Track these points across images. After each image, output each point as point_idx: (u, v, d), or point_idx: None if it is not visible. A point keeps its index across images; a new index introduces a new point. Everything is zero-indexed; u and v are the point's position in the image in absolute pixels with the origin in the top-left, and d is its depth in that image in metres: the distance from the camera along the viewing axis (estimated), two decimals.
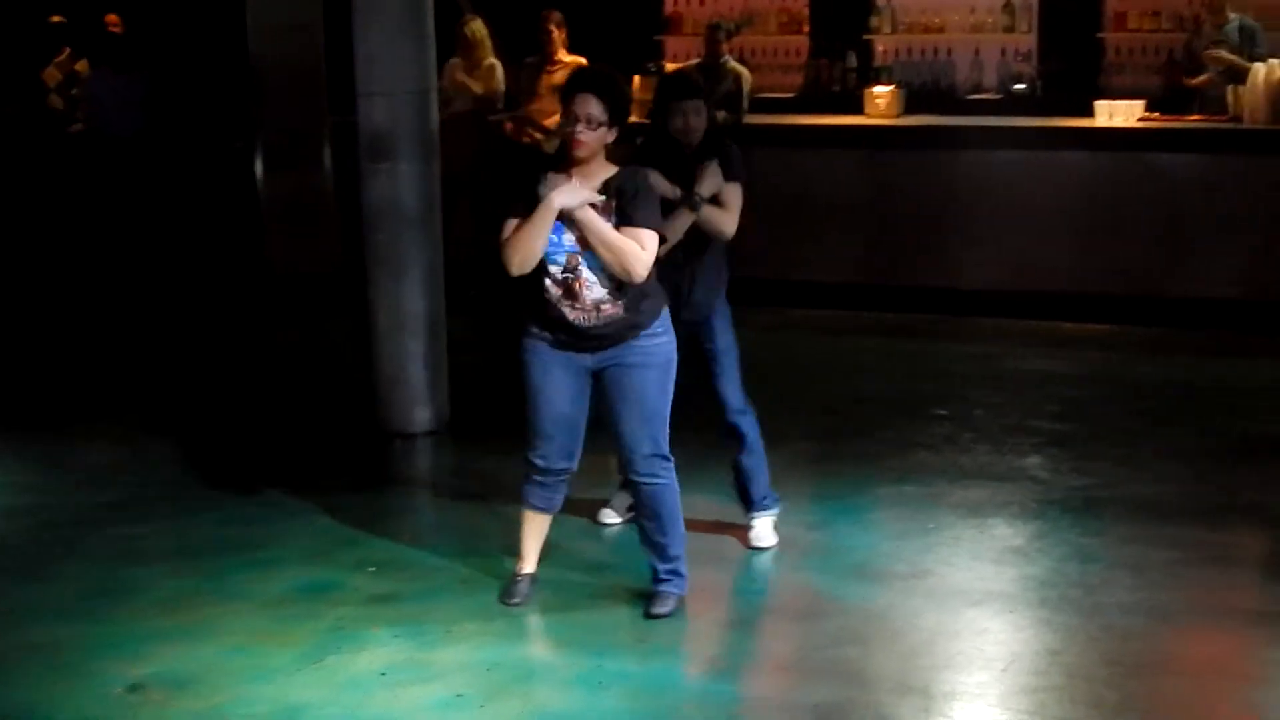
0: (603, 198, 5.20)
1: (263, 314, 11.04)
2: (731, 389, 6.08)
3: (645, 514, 5.56)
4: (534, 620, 5.54)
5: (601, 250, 5.16)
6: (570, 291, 5.24)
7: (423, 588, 5.83)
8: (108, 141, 12.02)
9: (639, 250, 5.17)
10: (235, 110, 12.09)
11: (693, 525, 5.76)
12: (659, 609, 5.50)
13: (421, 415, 7.81)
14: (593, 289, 5.23)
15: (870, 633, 5.40)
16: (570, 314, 5.28)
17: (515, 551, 5.71)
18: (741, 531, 6.27)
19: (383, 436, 7.78)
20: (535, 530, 5.67)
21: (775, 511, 6.26)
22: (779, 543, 6.19)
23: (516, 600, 5.61)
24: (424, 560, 6.13)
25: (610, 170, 5.28)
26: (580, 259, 5.21)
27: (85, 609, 5.70)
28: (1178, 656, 5.32)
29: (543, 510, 5.63)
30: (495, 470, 7.22)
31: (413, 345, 7.75)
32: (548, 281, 5.26)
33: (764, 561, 6.12)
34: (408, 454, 7.72)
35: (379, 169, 7.69)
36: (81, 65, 12.93)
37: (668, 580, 5.56)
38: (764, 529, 6.22)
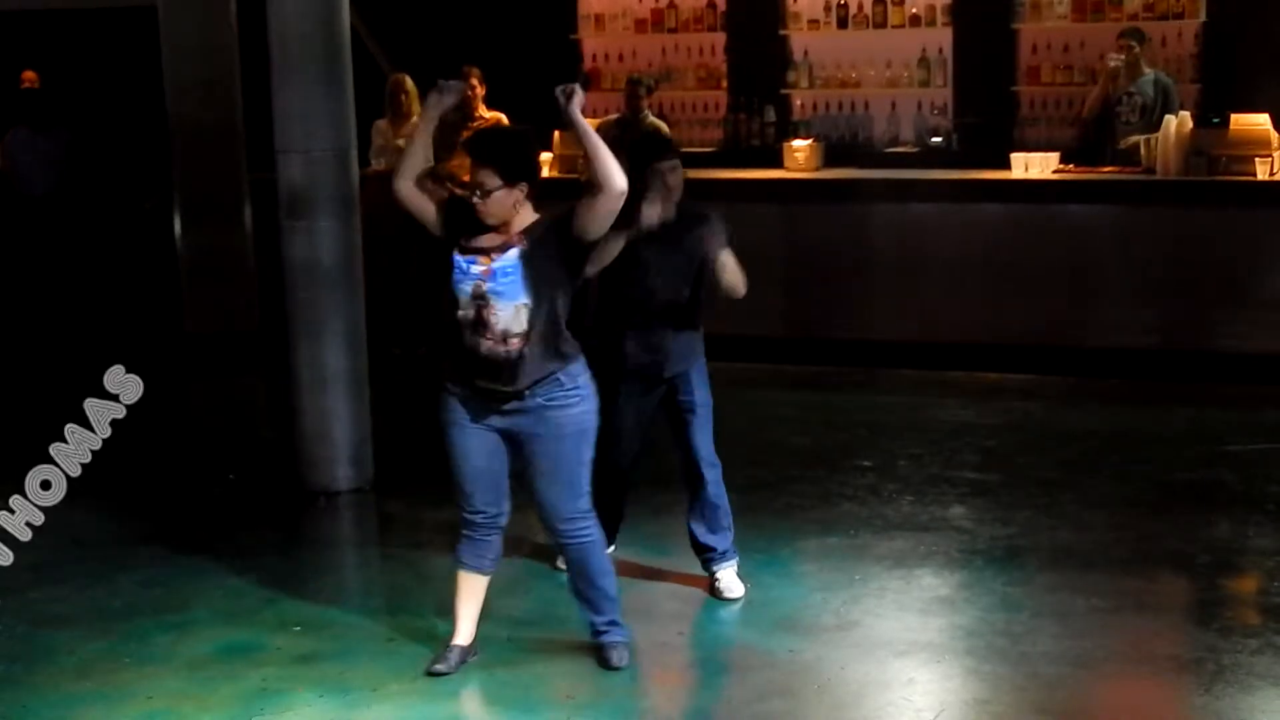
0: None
1: (179, 372, 10.91)
2: (704, 441, 6.16)
3: (574, 571, 5.56)
4: (461, 678, 5.48)
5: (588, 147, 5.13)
6: (480, 319, 5.21)
7: (348, 647, 5.77)
8: (24, 200, 11.90)
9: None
10: (152, 168, 12.00)
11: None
12: (616, 661, 5.49)
13: (345, 473, 7.75)
14: (500, 317, 5.18)
15: (798, 685, 5.40)
16: (482, 345, 5.22)
17: (442, 610, 5.65)
18: (673, 579, 6.31)
19: (306, 495, 7.71)
20: (468, 593, 5.54)
21: (736, 561, 6.28)
22: (706, 596, 6.19)
23: (441, 669, 5.49)
24: (349, 619, 6.07)
25: (532, 217, 5.29)
26: (486, 286, 5.20)
27: (1, 674, 5.60)
28: (1104, 704, 5.36)
29: (474, 569, 5.52)
30: (420, 528, 7.18)
31: (335, 403, 7.69)
32: (460, 313, 5.25)
33: (691, 615, 6.11)
34: (331, 512, 7.64)
35: (298, 226, 7.65)
36: None
37: (607, 631, 5.55)
38: (730, 579, 6.23)
